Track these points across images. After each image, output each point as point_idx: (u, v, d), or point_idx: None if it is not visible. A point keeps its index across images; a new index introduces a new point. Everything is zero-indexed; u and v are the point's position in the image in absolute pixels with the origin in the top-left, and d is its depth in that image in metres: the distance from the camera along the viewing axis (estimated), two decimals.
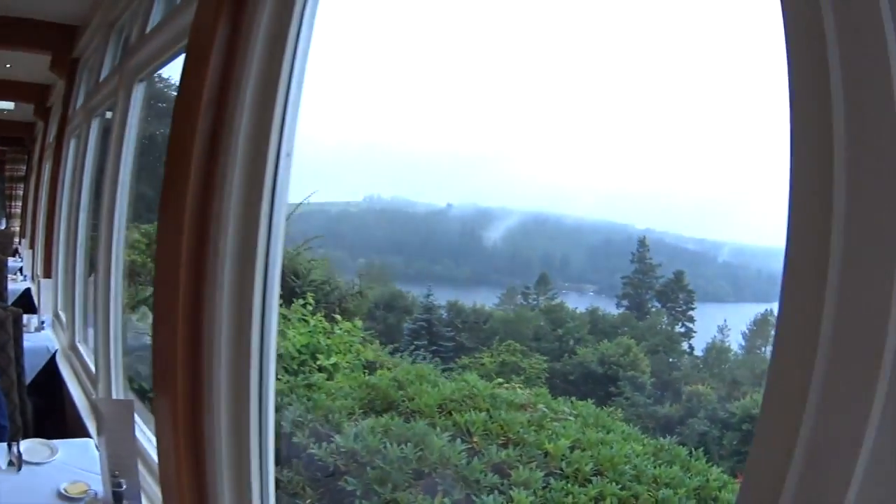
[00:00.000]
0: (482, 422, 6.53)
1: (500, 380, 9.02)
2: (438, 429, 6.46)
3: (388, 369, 8.50)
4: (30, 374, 6.10)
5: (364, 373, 8.21)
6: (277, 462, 6.47)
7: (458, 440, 6.27)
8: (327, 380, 7.89)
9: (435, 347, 14.88)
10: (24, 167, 18.15)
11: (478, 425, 6.47)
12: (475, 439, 6.39)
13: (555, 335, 15.87)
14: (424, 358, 12.99)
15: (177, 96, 2.95)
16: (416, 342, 14.85)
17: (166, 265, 2.90)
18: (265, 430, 2.76)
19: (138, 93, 5.24)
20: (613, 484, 6.13)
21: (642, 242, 17.09)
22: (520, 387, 8.60)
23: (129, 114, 5.21)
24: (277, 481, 6.28)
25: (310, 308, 9.04)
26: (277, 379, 7.25)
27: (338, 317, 9.11)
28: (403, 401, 7.03)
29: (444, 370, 11.76)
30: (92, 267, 6.75)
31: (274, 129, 2.55)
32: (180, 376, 2.74)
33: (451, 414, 6.72)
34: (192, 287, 2.72)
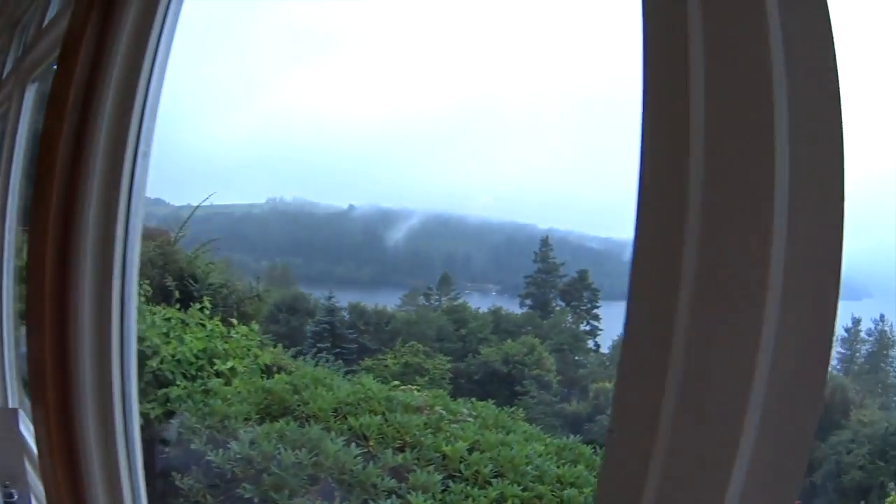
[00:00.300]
0: (377, 425, 6.49)
1: (396, 382, 8.98)
2: (333, 433, 6.40)
3: (290, 373, 8.40)
4: None
5: (262, 377, 8.10)
6: (178, 470, 6.35)
7: (354, 444, 6.22)
8: (225, 385, 7.76)
9: (338, 350, 14.79)
10: None
11: (373, 429, 6.43)
12: (371, 443, 6.35)
13: (458, 335, 15.91)
14: (327, 360, 12.91)
15: (49, 95, 2.87)
16: (318, 345, 14.75)
17: (35, 270, 2.81)
18: (131, 434, 2.71)
19: (30, 93, 5.11)
20: (515, 485, 6.14)
21: (545, 242, 17.22)
22: (416, 389, 8.56)
23: (20, 115, 5.08)
24: (178, 490, 6.18)
25: (207, 312, 8.90)
26: (176, 385, 7.14)
27: (234, 321, 8.97)
28: (299, 405, 6.95)
29: (347, 372, 11.69)
30: None
31: (132, 129, 2.50)
32: (50, 383, 2.66)
33: (346, 418, 6.67)
34: (58, 291, 2.63)
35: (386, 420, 6.62)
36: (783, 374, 1.01)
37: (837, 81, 1.02)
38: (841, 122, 1.02)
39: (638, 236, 1.11)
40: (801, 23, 1.03)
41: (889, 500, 12.33)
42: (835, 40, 1.03)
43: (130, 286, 2.63)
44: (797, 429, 1.03)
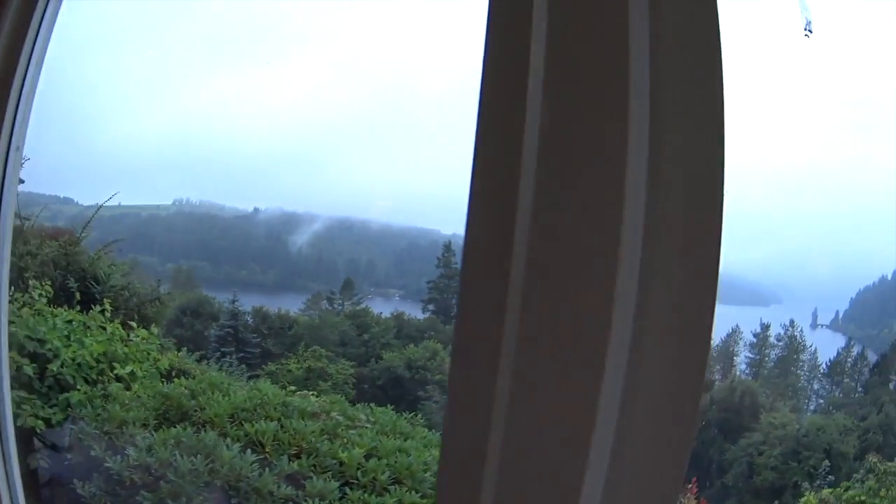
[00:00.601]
0: (273, 431, 6.45)
1: (294, 387, 8.94)
2: (230, 439, 6.36)
3: (192, 377, 8.32)
4: None
5: (162, 382, 8.01)
6: (79, 478, 6.25)
7: (249, 451, 6.19)
8: (126, 389, 7.66)
9: (242, 354, 14.66)
10: None
11: (268, 435, 6.39)
12: (267, 449, 6.32)
13: (361, 340, 15.91)
14: (231, 365, 12.81)
15: None
16: (222, 349, 14.60)
17: None
18: (5, 433, 2.73)
19: None
20: (413, 492, 6.16)
21: (448, 247, 17.26)
22: (313, 394, 8.54)
23: None
24: (80, 498, 6.08)
25: (108, 315, 8.77)
26: (77, 389, 7.02)
27: (133, 324, 8.85)
28: (196, 410, 6.90)
29: (250, 377, 11.61)
30: None
31: (6, 124, 2.52)
32: None
33: (242, 424, 6.63)
34: None
35: (282, 426, 6.58)
36: (646, 375, 1.02)
37: (720, 87, 1.02)
38: (720, 132, 1.02)
39: (468, 234, 1.12)
40: (680, 18, 1.02)
41: (803, 499, 12.47)
42: (720, 45, 1.03)
43: (2, 283, 2.65)
44: (670, 431, 1.03)
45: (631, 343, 1.00)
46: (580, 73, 1.03)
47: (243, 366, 13.35)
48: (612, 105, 1.00)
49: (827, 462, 23.31)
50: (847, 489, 13.16)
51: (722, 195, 1.02)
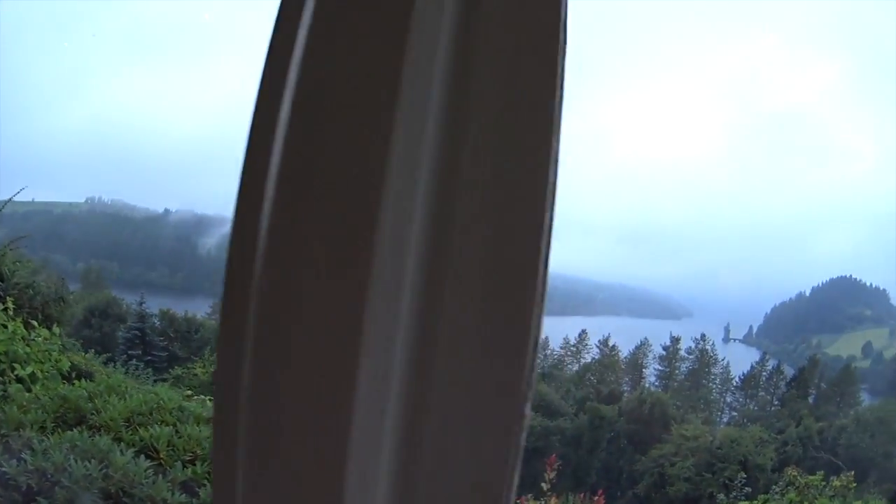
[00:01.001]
0: (168, 437, 6.39)
1: (189, 391, 8.87)
2: (124, 444, 6.27)
3: (93, 380, 8.21)
4: None
5: (64, 383, 7.89)
6: None
7: (144, 456, 6.11)
8: (28, 391, 7.52)
9: (149, 357, 14.48)
10: None
11: (163, 440, 6.33)
12: (161, 455, 6.26)
13: None
14: (137, 367, 12.63)
15: None
16: (129, 352, 14.41)
17: None
18: None
19: None
20: None
21: None
22: (210, 399, 8.46)
23: None
24: None
25: (10, 313, 8.63)
26: None
27: (35, 323, 8.72)
28: (93, 414, 6.80)
29: (157, 381, 11.50)
30: None
31: None
32: None
33: (137, 428, 6.55)
34: None
35: (177, 431, 6.51)
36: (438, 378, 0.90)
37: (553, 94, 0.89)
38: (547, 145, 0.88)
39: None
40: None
41: None
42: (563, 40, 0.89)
43: None
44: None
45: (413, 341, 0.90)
46: (339, 67, 0.94)
47: (149, 369, 13.18)
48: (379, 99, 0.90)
49: (743, 474, 23.94)
50: (766, 502, 13.41)
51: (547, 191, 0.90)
